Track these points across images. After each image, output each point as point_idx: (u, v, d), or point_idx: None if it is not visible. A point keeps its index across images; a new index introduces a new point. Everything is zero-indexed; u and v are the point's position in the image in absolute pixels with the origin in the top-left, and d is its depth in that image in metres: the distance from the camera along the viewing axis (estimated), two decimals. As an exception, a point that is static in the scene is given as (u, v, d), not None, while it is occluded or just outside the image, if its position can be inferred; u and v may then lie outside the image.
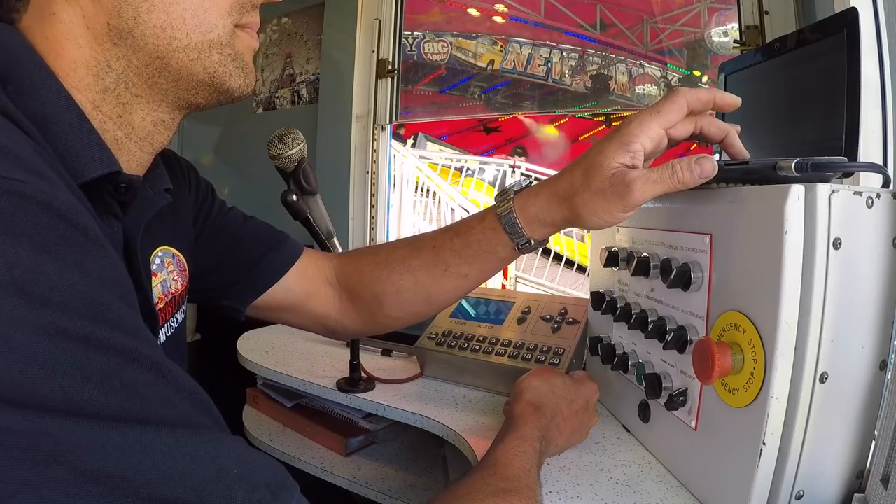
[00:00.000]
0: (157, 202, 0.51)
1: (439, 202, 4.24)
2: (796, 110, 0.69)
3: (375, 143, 1.58)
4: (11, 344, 0.26)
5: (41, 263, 0.28)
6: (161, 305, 0.57)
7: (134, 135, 0.46)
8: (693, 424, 0.57)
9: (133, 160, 0.46)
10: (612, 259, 0.71)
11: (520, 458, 0.54)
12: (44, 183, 0.30)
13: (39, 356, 0.26)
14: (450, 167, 5.41)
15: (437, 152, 6.07)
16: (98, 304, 0.30)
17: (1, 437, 0.25)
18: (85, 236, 0.31)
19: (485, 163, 5.75)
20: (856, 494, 0.50)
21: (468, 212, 4.13)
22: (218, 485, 0.30)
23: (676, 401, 0.58)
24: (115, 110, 0.44)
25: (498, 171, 5.59)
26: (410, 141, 6.48)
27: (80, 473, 0.26)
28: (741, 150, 0.56)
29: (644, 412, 0.67)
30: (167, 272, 0.59)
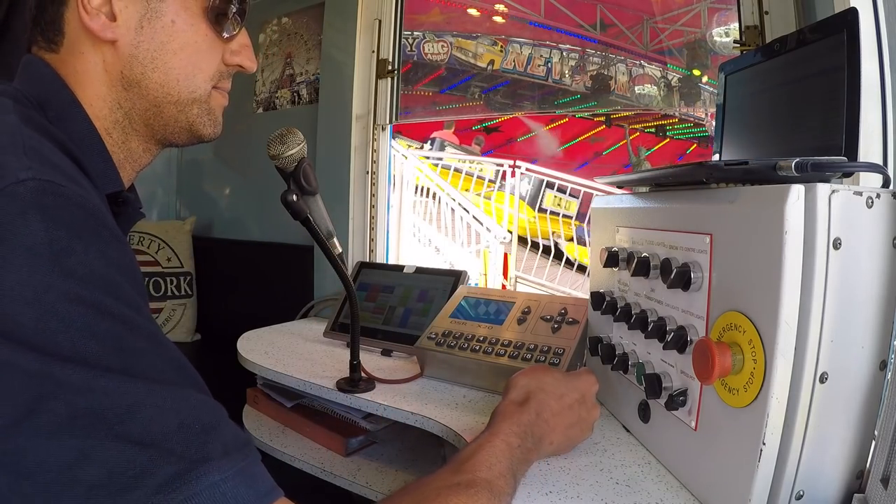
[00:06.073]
0: (136, 217, 0.60)
1: (439, 202, 4.24)
2: (796, 110, 0.69)
3: (375, 143, 1.58)
4: (41, 300, 0.34)
5: (73, 245, 0.37)
6: None
7: (130, 158, 0.57)
8: (693, 424, 0.57)
9: (126, 178, 0.57)
10: (612, 259, 0.71)
11: (484, 452, 0.53)
12: (80, 189, 0.40)
13: (60, 313, 0.35)
14: (461, 171, 5.31)
15: (454, 154, 5.98)
16: (112, 283, 0.38)
17: (14, 372, 0.33)
18: (109, 231, 0.40)
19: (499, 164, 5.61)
20: (856, 494, 0.50)
21: (468, 212, 4.11)
22: (178, 434, 0.36)
23: (676, 401, 0.58)
24: (120, 138, 0.55)
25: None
26: (427, 145, 6.43)
27: (72, 409, 0.34)
28: None
29: (644, 412, 0.67)
30: None
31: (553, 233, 4.93)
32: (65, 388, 0.34)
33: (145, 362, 0.37)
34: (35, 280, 0.35)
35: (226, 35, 0.57)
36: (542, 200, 5.43)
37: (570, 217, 5.37)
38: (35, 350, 0.34)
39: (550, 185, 5.44)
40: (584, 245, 5.07)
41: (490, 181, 5.39)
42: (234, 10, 0.56)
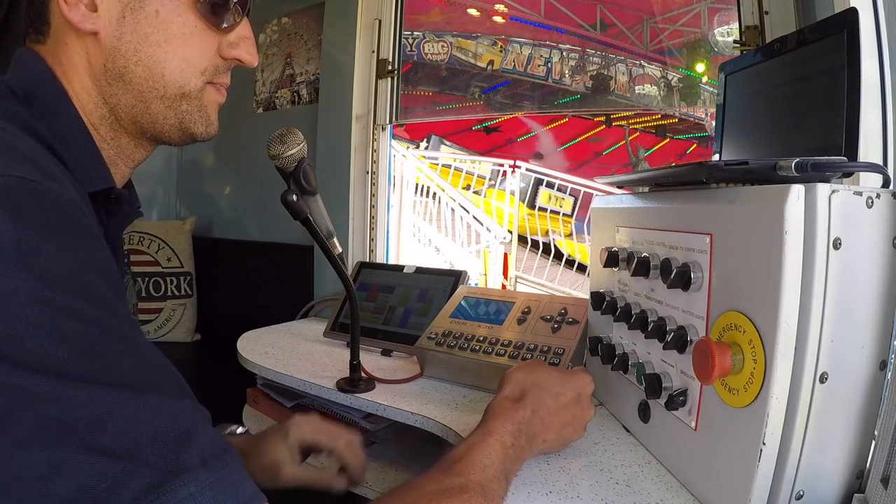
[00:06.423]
0: (133, 215, 0.59)
1: (439, 202, 4.24)
2: (796, 110, 0.69)
3: (375, 143, 1.58)
4: (9, 304, 0.33)
5: (42, 245, 0.35)
6: None
7: (122, 154, 0.54)
8: (693, 424, 0.57)
9: (119, 175, 0.55)
10: (612, 259, 0.71)
11: (477, 453, 0.52)
12: (55, 184, 0.38)
13: (29, 318, 0.33)
14: (462, 170, 5.26)
15: (449, 154, 5.94)
16: (84, 284, 0.36)
17: None
18: (83, 229, 0.38)
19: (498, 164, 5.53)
20: (856, 494, 0.50)
21: (468, 212, 4.11)
22: (153, 444, 0.34)
23: (676, 401, 0.58)
24: (109, 134, 0.53)
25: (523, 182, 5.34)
26: (423, 143, 6.41)
27: (41, 419, 0.32)
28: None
29: (644, 412, 0.67)
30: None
31: (552, 231, 4.92)
32: (34, 399, 0.32)
33: (120, 367, 0.35)
34: (1, 283, 0.33)
35: (225, 25, 0.53)
36: (537, 198, 5.41)
37: (568, 215, 5.37)
38: (2, 358, 0.32)
39: (550, 185, 5.43)
40: (585, 243, 5.07)
41: (488, 180, 5.33)
42: (233, 0, 0.53)
